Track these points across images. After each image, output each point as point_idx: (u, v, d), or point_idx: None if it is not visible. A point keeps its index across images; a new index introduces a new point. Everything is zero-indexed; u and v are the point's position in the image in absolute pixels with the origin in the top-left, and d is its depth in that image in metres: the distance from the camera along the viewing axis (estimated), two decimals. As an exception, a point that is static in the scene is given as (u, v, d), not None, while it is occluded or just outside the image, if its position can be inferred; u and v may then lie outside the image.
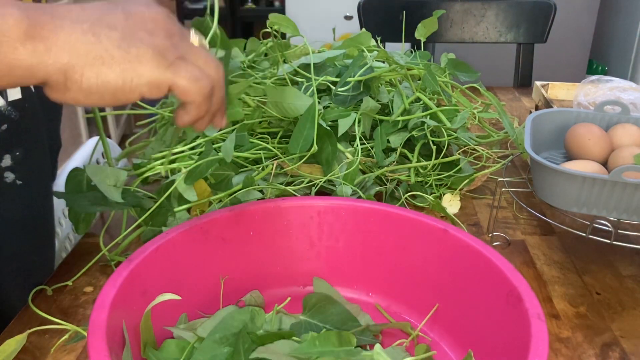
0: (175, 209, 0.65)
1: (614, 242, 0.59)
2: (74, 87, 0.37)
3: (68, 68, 0.36)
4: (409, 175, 0.76)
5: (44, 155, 0.67)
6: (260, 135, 0.77)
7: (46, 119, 0.66)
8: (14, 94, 0.60)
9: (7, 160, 0.60)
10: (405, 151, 0.79)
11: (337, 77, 0.77)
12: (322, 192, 0.72)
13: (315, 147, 0.68)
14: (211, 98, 0.42)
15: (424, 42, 0.94)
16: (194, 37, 0.43)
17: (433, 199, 0.72)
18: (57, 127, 0.73)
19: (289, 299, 0.56)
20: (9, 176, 0.61)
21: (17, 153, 0.60)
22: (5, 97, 0.59)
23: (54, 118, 0.71)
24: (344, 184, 0.70)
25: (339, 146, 0.71)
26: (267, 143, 0.75)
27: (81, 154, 0.95)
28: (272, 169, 0.70)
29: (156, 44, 0.39)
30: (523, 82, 1.45)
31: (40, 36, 0.36)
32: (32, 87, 0.62)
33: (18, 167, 0.61)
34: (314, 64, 0.76)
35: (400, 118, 0.77)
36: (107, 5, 0.39)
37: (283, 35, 0.82)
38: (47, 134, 0.67)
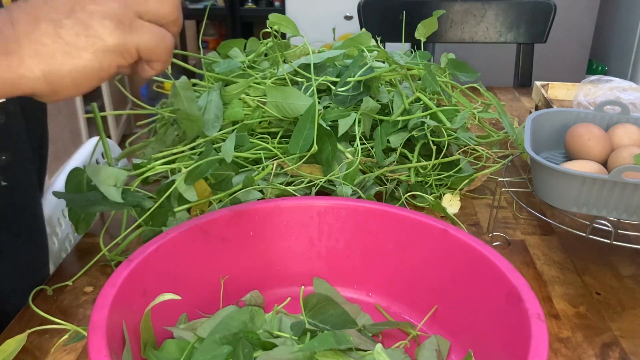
0: (175, 209, 0.65)
1: (614, 242, 0.59)
2: (60, 89, 0.38)
3: (45, 75, 0.37)
4: (409, 175, 0.76)
5: (32, 156, 0.66)
6: (260, 135, 0.77)
7: (30, 120, 0.66)
8: None
9: None
10: (405, 151, 0.78)
11: (337, 77, 0.77)
12: (322, 192, 0.72)
13: (315, 147, 0.68)
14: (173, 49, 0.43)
15: (424, 42, 0.94)
16: None
17: (433, 199, 0.72)
18: (42, 124, 0.72)
19: (289, 299, 0.56)
20: None
21: (3, 157, 0.60)
22: None
23: (38, 117, 0.71)
24: (344, 184, 0.70)
25: (339, 146, 0.71)
26: (267, 143, 0.75)
27: (81, 154, 0.95)
28: (272, 169, 0.70)
29: (108, 12, 0.39)
30: (523, 82, 1.45)
31: (9, 50, 0.37)
32: None
33: (4, 170, 0.61)
34: (314, 64, 0.76)
35: (400, 118, 0.77)
36: None
37: (283, 35, 0.82)
38: (33, 133, 0.66)
